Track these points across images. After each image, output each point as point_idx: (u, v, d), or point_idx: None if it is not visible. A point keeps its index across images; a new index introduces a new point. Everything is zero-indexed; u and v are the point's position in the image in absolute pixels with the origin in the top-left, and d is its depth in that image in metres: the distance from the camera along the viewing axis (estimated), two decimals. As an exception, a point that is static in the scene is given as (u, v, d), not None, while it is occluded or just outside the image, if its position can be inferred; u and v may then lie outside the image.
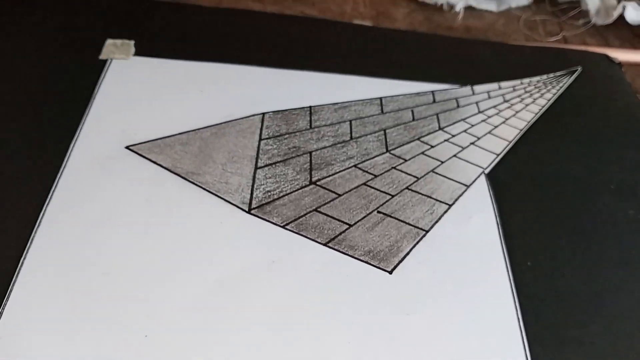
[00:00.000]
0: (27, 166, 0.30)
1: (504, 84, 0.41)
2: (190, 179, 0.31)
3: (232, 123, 0.34)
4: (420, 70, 0.40)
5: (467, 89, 0.40)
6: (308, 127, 0.35)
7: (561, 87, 0.41)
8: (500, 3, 0.54)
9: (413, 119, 0.37)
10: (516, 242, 0.30)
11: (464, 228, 0.31)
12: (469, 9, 0.53)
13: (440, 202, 0.32)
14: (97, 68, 0.37)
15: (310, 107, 0.36)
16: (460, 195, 0.32)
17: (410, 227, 0.30)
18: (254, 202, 0.30)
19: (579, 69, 0.43)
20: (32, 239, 0.27)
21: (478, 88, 0.40)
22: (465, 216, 0.31)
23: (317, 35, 0.42)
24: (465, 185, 0.33)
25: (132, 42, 0.38)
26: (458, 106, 0.38)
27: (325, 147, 0.34)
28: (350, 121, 0.36)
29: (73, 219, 0.28)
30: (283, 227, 0.29)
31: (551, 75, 0.42)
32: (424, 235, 0.30)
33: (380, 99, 0.38)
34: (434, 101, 0.38)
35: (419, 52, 0.43)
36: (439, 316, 0.26)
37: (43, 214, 0.28)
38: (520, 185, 0.34)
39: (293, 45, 0.41)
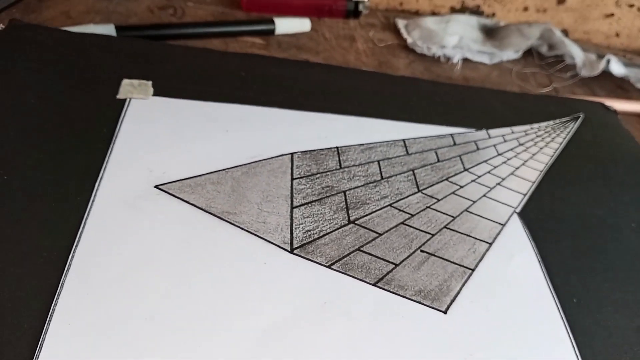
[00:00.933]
0: (51, 210, 0.28)
1: (515, 128, 0.42)
2: (226, 219, 0.29)
3: (262, 163, 0.33)
4: (434, 114, 0.41)
5: (483, 133, 0.41)
6: (338, 167, 0.34)
7: (569, 132, 0.43)
8: (492, 57, 0.57)
9: (438, 160, 0.37)
10: (558, 280, 0.30)
11: (508, 266, 0.30)
12: (465, 60, 0.55)
13: (480, 240, 0.31)
14: (116, 107, 0.35)
15: (337, 147, 0.36)
16: (498, 234, 0.32)
17: (456, 266, 0.30)
18: (295, 241, 0.29)
19: (582, 115, 0.45)
20: (62, 287, 0.24)
21: (493, 132, 0.41)
22: (507, 254, 0.31)
23: (331, 79, 0.43)
24: (501, 224, 0.33)
25: (149, 83, 0.37)
26: (478, 149, 0.39)
27: (357, 187, 0.33)
28: (379, 162, 0.36)
29: (106, 262, 0.26)
30: (329, 267, 0.28)
31: (557, 121, 0.44)
32: (470, 274, 0.29)
33: (404, 140, 0.38)
34: (455, 144, 0.39)
35: (430, 97, 0.43)
36: (502, 357, 0.25)
37: (72, 259, 0.25)
38: (551, 224, 0.34)
39: (310, 89, 0.41)
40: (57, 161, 0.30)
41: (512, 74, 0.55)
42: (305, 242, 0.29)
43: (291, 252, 0.28)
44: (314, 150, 0.35)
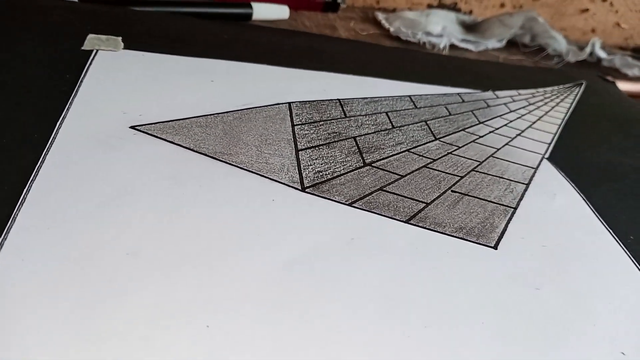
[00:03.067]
0: (4, 148, 0.22)
1: (522, 91, 0.39)
2: (220, 159, 0.24)
3: (256, 109, 0.29)
4: (434, 78, 0.38)
5: (490, 94, 0.37)
6: (343, 115, 0.30)
7: (576, 96, 0.40)
8: (477, 45, 0.55)
9: (449, 114, 0.33)
10: (607, 220, 0.26)
11: (552, 205, 0.26)
12: (451, 47, 0.53)
13: (516, 182, 0.27)
14: (82, 58, 0.30)
15: (338, 99, 0.32)
16: (533, 176, 0.28)
17: (495, 204, 0.25)
18: (305, 181, 0.24)
19: (584, 82, 0.43)
20: (14, 221, 0.18)
21: (500, 93, 0.38)
22: (548, 194, 0.27)
23: (323, 45, 0.39)
24: (533, 167, 0.29)
25: (119, 38, 0.33)
26: (488, 106, 0.35)
27: (368, 134, 0.29)
28: (387, 112, 0.31)
29: (72, 197, 0.20)
30: (349, 205, 0.23)
31: (561, 86, 0.41)
32: (514, 212, 0.25)
33: (410, 96, 0.34)
34: (463, 101, 0.35)
35: (427, 64, 0.40)
36: (572, 291, 0.21)
37: (27, 193, 0.20)
38: (585, 170, 0.30)
39: (301, 52, 0.37)
40: (15, 104, 0.25)
41: (499, 60, 0.53)
42: (317, 181, 0.24)
43: (303, 190, 0.23)
44: (314, 101, 0.31)
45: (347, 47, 0.40)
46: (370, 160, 0.27)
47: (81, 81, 0.28)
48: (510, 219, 0.24)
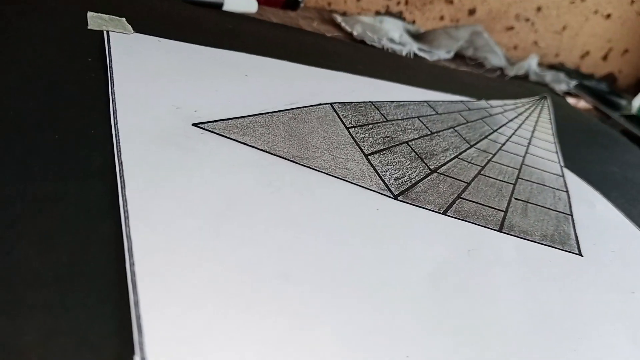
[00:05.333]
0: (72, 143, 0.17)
1: (507, 101, 0.41)
2: (301, 163, 0.22)
3: (304, 110, 0.26)
4: (435, 85, 0.38)
5: (484, 102, 0.39)
6: (384, 119, 0.29)
7: (548, 106, 0.43)
8: (431, 55, 0.57)
9: (467, 121, 0.34)
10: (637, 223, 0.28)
11: (595, 212, 0.28)
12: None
13: (557, 189, 0.28)
14: (94, 39, 0.25)
15: (371, 102, 0.30)
16: (566, 184, 0.30)
17: (555, 212, 0.26)
18: (392, 188, 0.22)
19: (547, 96, 0.46)
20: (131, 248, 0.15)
21: (491, 102, 0.39)
22: (587, 201, 0.28)
23: (329, 44, 0.37)
24: (560, 175, 0.30)
25: (122, 18, 0.28)
26: (490, 115, 0.37)
27: (415, 139, 0.28)
28: (418, 117, 0.31)
29: (169, 209, 0.16)
30: (444, 214, 0.22)
31: (532, 98, 0.44)
32: (573, 219, 0.26)
33: (427, 102, 0.34)
34: (469, 109, 0.36)
35: (424, 71, 0.41)
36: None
37: (125, 203, 0.16)
38: (592, 176, 0.32)
39: (302, 49, 0.35)
40: (45, 91, 0.20)
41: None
42: (402, 189, 0.23)
43: (395, 198, 0.22)
44: (352, 102, 0.29)
45: (347, 48, 0.38)
46: (433, 166, 0.26)
47: (110, 68, 0.23)
48: (574, 225, 0.25)
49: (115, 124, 0.19)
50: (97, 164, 0.17)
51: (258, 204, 0.18)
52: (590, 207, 0.28)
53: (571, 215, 0.26)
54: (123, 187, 0.16)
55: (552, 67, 0.71)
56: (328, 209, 0.19)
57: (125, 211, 0.15)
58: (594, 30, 0.72)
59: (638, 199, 0.31)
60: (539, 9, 0.68)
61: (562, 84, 0.61)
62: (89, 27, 0.26)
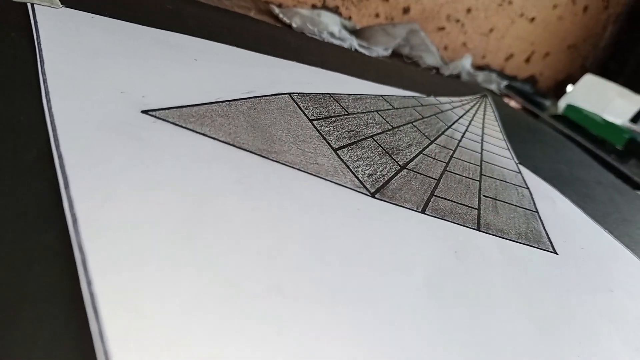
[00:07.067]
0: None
1: (453, 98, 0.41)
2: (269, 157, 0.19)
3: (263, 99, 0.24)
4: (385, 79, 0.37)
5: (433, 98, 0.38)
6: (345, 112, 0.27)
7: (490, 104, 0.43)
8: (370, 51, 0.56)
9: (422, 117, 0.33)
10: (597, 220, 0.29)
11: (556, 209, 0.27)
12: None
13: (520, 186, 0.28)
14: (13, 12, 0.21)
15: (329, 94, 0.28)
16: (524, 180, 0.29)
17: (523, 209, 0.25)
18: (367, 185, 0.21)
19: (487, 95, 0.47)
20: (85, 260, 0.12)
21: (440, 99, 0.39)
22: (548, 198, 0.28)
23: (277, 32, 0.35)
24: (517, 171, 0.30)
25: (46, -10, 0.24)
26: (441, 111, 0.36)
27: (378, 134, 0.26)
28: (377, 111, 0.29)
29: (145, 213, 0.13)
30: (422, 212, 0.21)
31: (475, 96, 0.45)
32: (539, 216, 0.25)
33: (382, 96, 0.32)
34: (421, 105, 0.35)
35: (373, 65, 0.39)
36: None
37: (71, 204, 0.13)
38: (546, 173, 0.33)
39: (263, 38, 0.32)
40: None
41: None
42: (377, 186, 0.21)
43: (372, 196, 0.20)
44: (310, 94, 0.27)
45: (295, 38, 0.36)
46: (402, 162, 0.24)
47: (39, 44, 0.19)
48: (543, 223, 0.25)
49: (50, 108, 0.16)
50: (30, 156, 0.14)
51: (231, 205, 0.15)
52: (552, 204, 0.28)
53: (537, 212, 0.26)
54: (67, 186, 0.13)
55: (479, 68, 0.73)
56: (309, 210, 0.17)
57: (73, 216, 0.12)
58: (518, 33, 0.75)
59: (589, 196, 0.32)
60: (469, 10, 0.70)
61: (494, 84, 0.62)
62: (7, -3, 0.22)
